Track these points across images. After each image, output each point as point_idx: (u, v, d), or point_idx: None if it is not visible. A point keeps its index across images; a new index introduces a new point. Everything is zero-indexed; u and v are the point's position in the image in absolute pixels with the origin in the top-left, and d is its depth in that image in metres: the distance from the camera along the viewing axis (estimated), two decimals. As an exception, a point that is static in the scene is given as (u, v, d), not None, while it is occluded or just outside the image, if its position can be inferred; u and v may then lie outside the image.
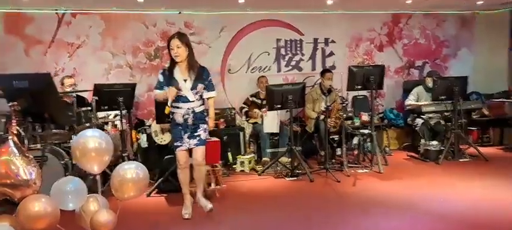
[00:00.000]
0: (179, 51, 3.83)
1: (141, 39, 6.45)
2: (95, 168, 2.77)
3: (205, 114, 4.08)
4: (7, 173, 2.54)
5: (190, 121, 3.93)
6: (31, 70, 6.04)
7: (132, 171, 2.84)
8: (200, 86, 3.94)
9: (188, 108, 3.91)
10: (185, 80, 3.90)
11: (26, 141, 2.73)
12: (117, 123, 5.49)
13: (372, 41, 7.48)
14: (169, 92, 3.78)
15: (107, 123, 5.68)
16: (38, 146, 4.61)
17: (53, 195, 2.68)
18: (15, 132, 2.64)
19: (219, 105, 6.64)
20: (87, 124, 5.07)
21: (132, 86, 5.25)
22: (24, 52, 6.05)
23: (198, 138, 3.97)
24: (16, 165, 2.57)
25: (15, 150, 2.61)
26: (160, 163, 5.09)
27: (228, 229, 3.81)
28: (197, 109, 3.97)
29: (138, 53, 6.46)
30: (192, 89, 3.91)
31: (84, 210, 2.79)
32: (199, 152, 4.00)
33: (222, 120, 6.32)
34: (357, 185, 4.99)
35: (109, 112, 5.52)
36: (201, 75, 3.96)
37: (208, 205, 4.13)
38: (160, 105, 5.17)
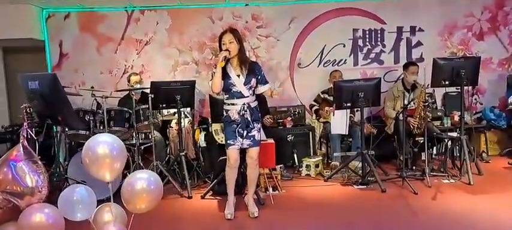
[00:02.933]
0: (231, 46, 3.78)
1: (207, 34, 6.26)
2: (107, 176, 2.54)
3: (258, 109, 3.99)
4: (13, 179, 2.41)
5: (247, 116, 3.84)
6: (103, 69, 6.23)
7: (143, 181, 2.56)
8: (253, 81, 3.87)
9: (244, 104, 3.84)
10: (238, 75, 3.84)
11: (37, 146, 2.56)
12: (185, 120, 5.41)
13: (470, 28, 6.41)
14: (219, 55, 3.75)
15: (170, 121, 5.62)
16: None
17: (60, 204, 2.51)
18: (25, 135, 2.51)
19: (288, 102, 6.26)
20: (146, 123, 5.01)
21: (192, 83, 5.05)
22: (96, 50, 6.22)
23: (252, 139, 3.87)
24: (23, 171, 2.44)
25: (24, 155, 2.48)
26: (217, 164, 4.84)
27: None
28: (252, 104, 3.90)
29: (204, 49, 6.29)
30: (245, 84, 3.83)
31: (95, 221, 2.58)
32: (254, 152, 3.91)
33: (289, 118, 5.88)
34: (437, 199, 4.22)
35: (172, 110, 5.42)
36: (253, 69, 3.89)
37: (255, 212, 3.96)
38: (215, 103, 4.97)
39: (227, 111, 3.88)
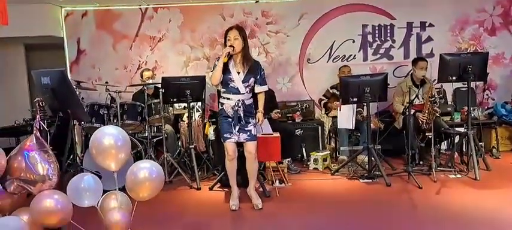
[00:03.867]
0: (236, 43, 3.88)
1: (218, 31, 6.39)
2: (112, 165, 2.71)
3: (253, 107, 4.08)
4: (27, 167, 2.60)
5: (241, 112, 3.94)
6: (118, 64, 6.45)
7: (145, 170, 2.72)
8: (252, 80, 3.97)
9: (238, 100, 3.94)
10: (238, 73, 3.94)
11: (49, 137, 2.75)
12: (196, 114, 5.56)
13: (481, 24, 6.38)
14: (223, 51, 3.86)
15: (181, 115, 5.80)
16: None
17: (69, 191, 2.69)
18: (38, 126, 2.70)
19: (297, 97, 6.35)
20: (157, 116, 5.19)
21: (201, 79, 5.20)
22: (112, 47, 6.43)
23: (248, 133, 3.99)
24: (36, 160, 2.63)
25: (36, 145, 2.67)
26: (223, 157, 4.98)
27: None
28: (247, 101, 4.00)
29: (215, 45, 6.44)
30: (243, 82, 3.93)
31: (101, 208, 2.76)
32: (251, 146, 4.00)
33: (298, 112, 5.98)
34: (441, 194, 4.26)
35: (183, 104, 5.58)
36: (254, 69, 3.99)
37: (259, 203, 4.08)
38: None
39: (223, 104, 4.01)
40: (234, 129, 3.94)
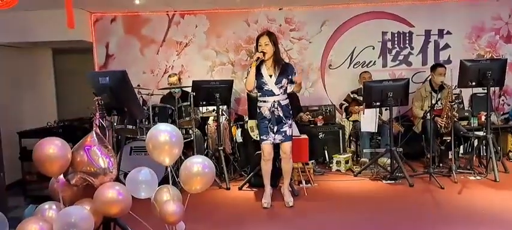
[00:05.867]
0: (267, 48, 4.09)
1: (243, 37, 6.60)
2: (167, 160, 2.91)
3: (290, 107, 4.27)
4: (89, 161, 2.81)
5: (277, 113, 4.12)
6: (145, 68, 6.66)
7: (198, 165, 2.93)
8: (284, 81, 4.15)
9: (274, 101, 4.13)
10: (270, 76, 4.15)
11: (107, 132, 2.96)
12: (222, 117, 5.76)
13: (497, 31, 6.56)
14: (254, 55, 4.09)
15: (207, 118, 6.00)
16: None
17: (127, 183, 2.89)
18: (98, 123, 2.90)
19: (319, 102, 6.54)
20: (187, 119, 5.39)
21: (229, 83, 5.41)
22: (139, 51, 6.65)
23: (283, 134, 4.17)
24: (97, 154, 2.83)
25: (97, 141, 2.88)
26: (253, 158, 5.17)
27: (305, 226, 3.79)
28: (283, 102, 4.17)
29: (240, 51, 6.64)
30: (276, 84, 4.12)
31: (155, 200, 2.96)
32: (286, 146, 4.19)
33: (320, 117, 6.19)
34: (462, 194, 4.45)
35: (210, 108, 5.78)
36: (285, 70, 4.15)
37: (290, 201, 4.28)
38: (252, 101, 5.32)
39: (260, 108, 4.20)
40: (272, 130, 4.12)
